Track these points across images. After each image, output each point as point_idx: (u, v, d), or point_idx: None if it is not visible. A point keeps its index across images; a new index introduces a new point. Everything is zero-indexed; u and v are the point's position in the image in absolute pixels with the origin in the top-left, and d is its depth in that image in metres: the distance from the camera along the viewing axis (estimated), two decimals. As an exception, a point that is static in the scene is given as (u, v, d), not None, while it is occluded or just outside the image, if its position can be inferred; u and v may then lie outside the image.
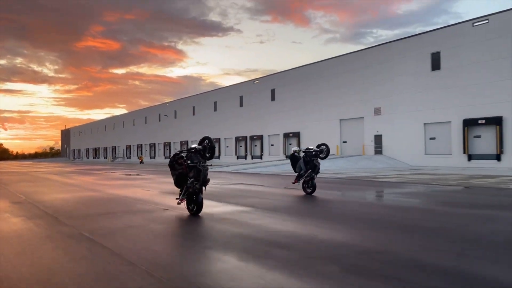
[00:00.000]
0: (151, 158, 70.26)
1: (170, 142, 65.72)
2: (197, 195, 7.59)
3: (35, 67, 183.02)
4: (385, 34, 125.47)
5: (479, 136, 27.80)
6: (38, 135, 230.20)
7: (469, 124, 28.03)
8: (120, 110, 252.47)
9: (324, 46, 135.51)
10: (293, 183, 11.55)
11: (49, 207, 9.19)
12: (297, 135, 42.08)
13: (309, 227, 6.35)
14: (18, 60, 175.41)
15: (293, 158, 11.58)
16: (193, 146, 7.97)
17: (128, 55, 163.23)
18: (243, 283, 3.64)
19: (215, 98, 56.07)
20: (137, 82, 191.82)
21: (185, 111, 62.82)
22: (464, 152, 28.24)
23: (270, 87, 46.08)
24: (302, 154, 11.37)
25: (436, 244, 5.11)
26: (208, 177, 7.72)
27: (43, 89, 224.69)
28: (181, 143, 61.75)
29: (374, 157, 32.49)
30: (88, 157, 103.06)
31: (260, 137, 47.23)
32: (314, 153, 11.20)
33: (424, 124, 30.88)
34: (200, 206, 7.60)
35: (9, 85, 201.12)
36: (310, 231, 5.94)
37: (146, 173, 25.08)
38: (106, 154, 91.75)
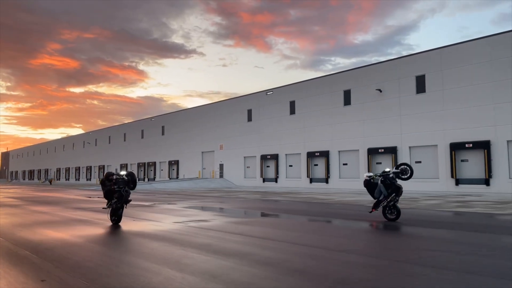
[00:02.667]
0: (87, 180, 79.43)
1: (104, 165, 76.49)
2: (117, 210, 10.27)
3: None
4: (343, 62, 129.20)
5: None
6: None
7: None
8: (76, 130, 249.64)
9: (285, 72, 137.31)
10: (371, 212, 10.99)
11: None
12: (177, 162, 55.28)
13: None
14: None
15: (370, 184, 10.97)
16: (121, 173, 10.61)
17: (87, 74, 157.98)
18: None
19: (141, 127, 68.40)
20: (95, 102, 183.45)
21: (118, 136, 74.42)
22: (261, 176, 42.45)
23: (162, 124, 59.16)
24: (378, 179, 10.81)
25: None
26: (130, 198, 10.41)
27: None
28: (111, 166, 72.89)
29: (214, 179, 46.18)
30: (24, 179, 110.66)
31: (154, 163, 60.03)
32: (392, 175, 10.62)
33: (244, 157, 45.04)
34: (119, 218, 10.32)
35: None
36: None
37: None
38: (40, 176, 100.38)
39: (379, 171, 12.83)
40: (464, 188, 27.00)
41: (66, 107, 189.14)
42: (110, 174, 10.65)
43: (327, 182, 36.05)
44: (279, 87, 42.14)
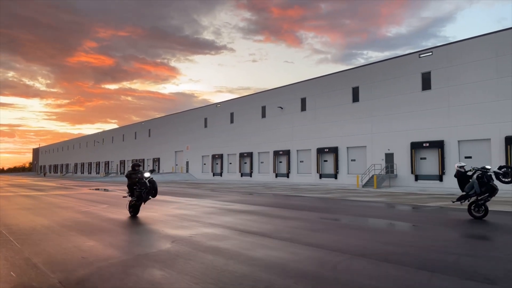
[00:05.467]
0: (96, 173, 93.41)
1: (109, 161, 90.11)
2: (136, 205, 11.52)
3: (27, 81, 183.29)
4: (375, 56, 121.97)
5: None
6: (28, 149, 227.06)
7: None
8: (111, 125, 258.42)
9: (315, 66, 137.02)
10: (454, 201, 10.98)
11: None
12: (158, 159, 67.41)
13: None
14: (10, 74, 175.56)
15: (463, 176, 10.59)
16: (145, 174, 11.53)
17: (121, 71, 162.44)
18: None
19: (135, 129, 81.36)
20: (129, 98, 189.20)
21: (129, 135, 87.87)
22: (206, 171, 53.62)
23: (149, 127, 71.30)
24: (472, 173, 10.55)
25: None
26: (149, 197, 11.46)
27: (35, 103, 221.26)
28: (120, 162, 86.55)
29: (180, 174, 57.82)
30: (50, 172, 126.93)
31: (143, 160, 72.43)
32: (491, 174, 10.21)
33: (202, 156, 56.35)
34: (136, 211, 11.57)
35: (0, 98, 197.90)
36: None
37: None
38: (63, 170, 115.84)
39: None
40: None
41: (102, 103, 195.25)
42: (136, 165, 11.81)
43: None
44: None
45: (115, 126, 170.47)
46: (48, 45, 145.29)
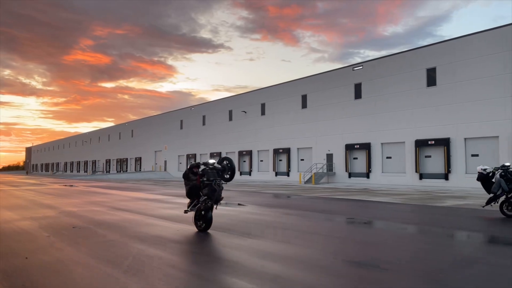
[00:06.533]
0: (84, 171, 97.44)
1: (95, 160, 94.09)
2: (207, 211, 7.65)
3: (23, 79, 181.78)
4: (372, 55, 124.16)
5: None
6: (24, 147, 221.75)
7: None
8: (108, 124, 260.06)
9: (312, 65, 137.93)
10: (484, 206, 10.95)
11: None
12: (139, 159, 71.49)
13: None
14: (6, 72, 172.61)
15: (485, 178, 10.56)
16: (210, 161, 7.91)
17: (118, 69, 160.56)
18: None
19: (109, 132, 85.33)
20: (126, 96, 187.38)
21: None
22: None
23: (132, 128, 75.31)
24: (492, 172, 10.47)
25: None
26: (222, 195, 7.68)
27: (31, 102, 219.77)
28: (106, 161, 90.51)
29: (158, 172, 61.98)
30: (42, 171, 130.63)
31: (126, 159, 76.45)
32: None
33: (178, 155, 60.52)
34: (209, 223, 7.73)
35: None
36: None
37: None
38: (53, 168, 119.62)
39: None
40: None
41: (99, 101, 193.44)
42: (195, 166, 8.07)
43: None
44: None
45: (111, 124, 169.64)
46: (45, 43, 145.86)
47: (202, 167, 7.99)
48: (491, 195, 10.45)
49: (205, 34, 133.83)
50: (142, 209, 13.39)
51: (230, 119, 49.93)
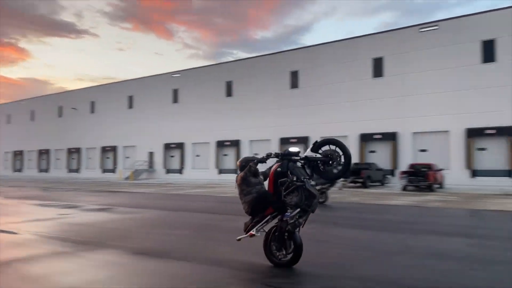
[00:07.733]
0: None
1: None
2: (292, 232, 4.53)
3: None
4: (245, 56, 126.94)
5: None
6: None
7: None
8: None
9: (186, 61, 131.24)
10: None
11: None
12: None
13: None
14: None
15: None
16: (292, 149, 4.86)
17: None
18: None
19: None
20: None
21: None
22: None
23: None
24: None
25: None
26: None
27: None
28: None
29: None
30: None
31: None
32: None
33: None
34: (299, 250, 4.61)
35: None
36: None
37: None
38: None
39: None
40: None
41: None
42: (258, 161, 4.92)
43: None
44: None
45: None
46: None
47: (273, 160, 4.79)
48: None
49: (67, 17, 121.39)
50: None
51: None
